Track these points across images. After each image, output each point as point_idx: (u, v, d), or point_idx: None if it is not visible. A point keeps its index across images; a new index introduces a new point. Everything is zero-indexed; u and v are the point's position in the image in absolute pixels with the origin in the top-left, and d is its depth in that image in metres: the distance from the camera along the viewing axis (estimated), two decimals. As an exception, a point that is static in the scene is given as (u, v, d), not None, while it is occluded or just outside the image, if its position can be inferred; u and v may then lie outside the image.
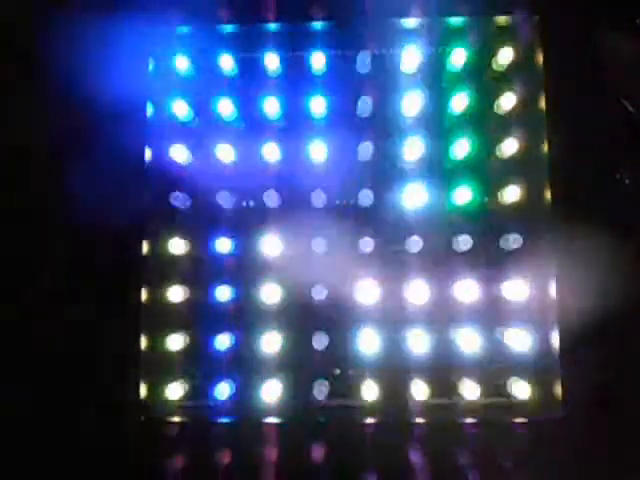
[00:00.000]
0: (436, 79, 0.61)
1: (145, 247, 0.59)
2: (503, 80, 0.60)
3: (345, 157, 0.60)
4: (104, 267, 0.57)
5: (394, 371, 0.58)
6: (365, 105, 0.58)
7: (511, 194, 0.57)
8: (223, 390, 0.56)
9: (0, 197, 0.59)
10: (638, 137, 0.58)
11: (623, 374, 0.54)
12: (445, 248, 0.58)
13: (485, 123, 0.60)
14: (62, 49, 0.58)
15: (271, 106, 0.59)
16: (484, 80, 0.61)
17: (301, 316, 0.59)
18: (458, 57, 0.58)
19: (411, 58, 0.59)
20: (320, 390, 0.56)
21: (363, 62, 0.59)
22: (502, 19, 0.59)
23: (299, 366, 0.59)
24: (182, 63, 0.60)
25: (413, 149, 0.57)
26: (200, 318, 0.60)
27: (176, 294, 0.59)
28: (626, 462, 0.53)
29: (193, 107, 0.60)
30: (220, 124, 0.61)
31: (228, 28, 0.61)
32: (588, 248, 0.54)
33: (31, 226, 0.59)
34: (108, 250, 0.57)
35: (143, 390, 0.58)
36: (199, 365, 0.59)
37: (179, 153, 0.59)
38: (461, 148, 0.57)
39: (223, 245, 0.59)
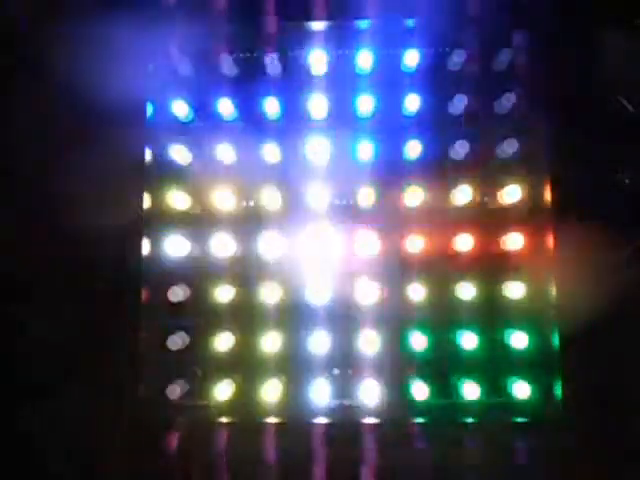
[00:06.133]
0: (436, 79, 0.61)
1: (145, 247, 0.59)
2: (503, 82, 0.60)
3: (345, 157, 0.60)
4: (104, 267, 0.57)
5: (394, 371, 0.58)
6: (364, 104, 0.58)
7: (511, 194, 0.57)
8: (223, 390, 0.56)
9: (0, 197, 0.59)
10: (638, 137, 0.58)
11: (623, 374, 0.55)
12: (445, 249, 0.59)
13: (485, 123, 0.60)
14: (62, 49, 0.58)
15: (271, 106, 0.59)
16: (484, 80, 0.61)
17: (301, 316, 0.59)
18: (457, 58, 0.58)
19: (412, 58, 0.59)
20: (320, 390, 0.56)
21: (363, 61, 0.59)
22: (501, 20, 0.59)
23: (299, 366, 0.59)
24: (182, 65, 0.60)
25: (412, 149, 0.58)
26: (200, 318, 0.60)
27: (177, 294, 0.59)
28: (625, 462, 0.53)
29: (193, 107, 0.60)
30: (220, 124, 0.61)
31: (228, 28, 0.61)
32: (588, 248, 0.54)
33: (31, 226, 0.59)
34: (108, 250, 0.57)
35: (143, 390, 0.58)
36: (199, 365, 0.59)
37: (179, 153, 0.59)
38: (461, 148, 0.57)
39: (223, 245, 0.59)
